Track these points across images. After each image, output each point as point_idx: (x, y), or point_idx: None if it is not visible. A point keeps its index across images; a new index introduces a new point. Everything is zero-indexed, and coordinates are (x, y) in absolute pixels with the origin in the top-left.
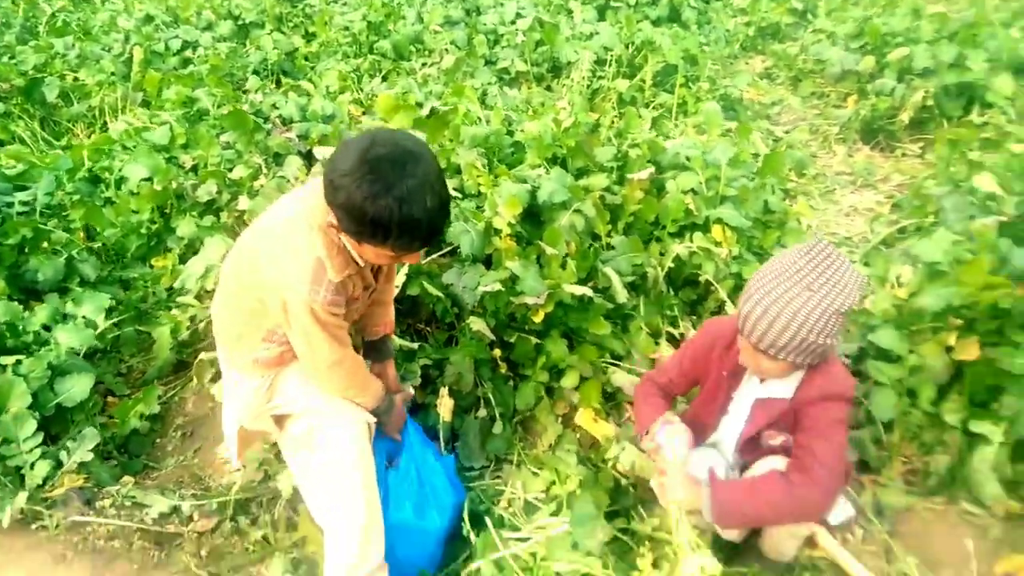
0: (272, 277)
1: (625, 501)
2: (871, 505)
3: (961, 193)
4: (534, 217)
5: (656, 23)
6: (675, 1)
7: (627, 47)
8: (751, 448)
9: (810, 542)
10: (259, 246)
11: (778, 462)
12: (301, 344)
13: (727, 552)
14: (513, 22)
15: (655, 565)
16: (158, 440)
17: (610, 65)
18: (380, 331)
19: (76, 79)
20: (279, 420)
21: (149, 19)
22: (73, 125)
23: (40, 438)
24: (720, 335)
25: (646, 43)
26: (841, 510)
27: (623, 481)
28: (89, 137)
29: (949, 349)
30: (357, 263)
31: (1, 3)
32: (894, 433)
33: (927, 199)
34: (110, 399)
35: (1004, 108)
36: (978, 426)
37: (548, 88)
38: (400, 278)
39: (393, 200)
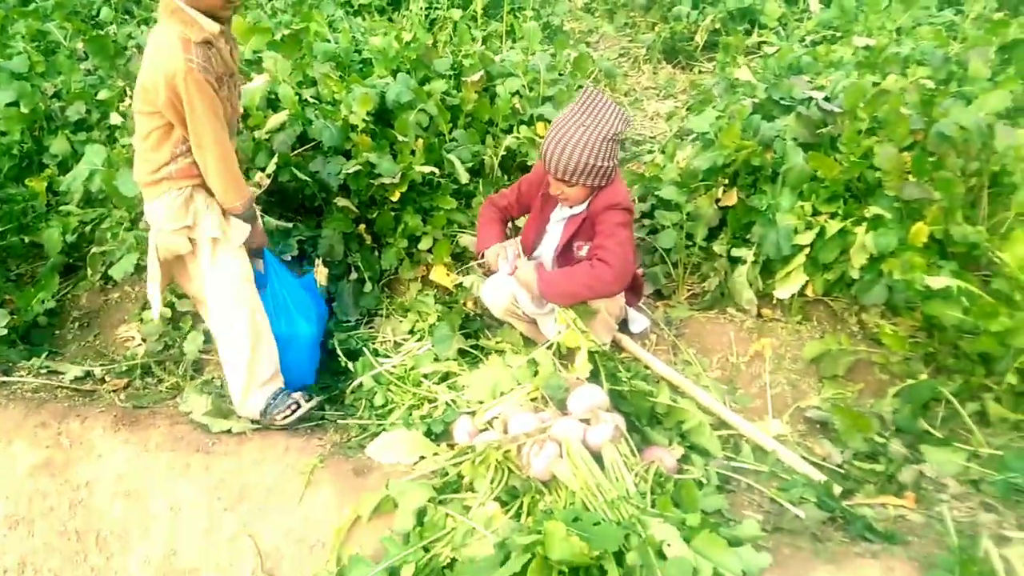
0: (157, 68)
1: (474, 326)
2: (662, 319)
3: (727, 83)
4: (385, 120)
5: None
6: None
7: None
8: (566, 259)
9: (619, 347)
10: (143, 66)
11: None
12: (192, 121)
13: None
14: None
15: None
16: (57, 332)
17: None
18: None
19: None
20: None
21: None
22: None
23: None
24: None
25: None
26: (639, 323)
27: (471, 313)
28: None
29: (717, 200)
30: (208, 30)
31: None
32: (679, 268)
33: (706, 93)
34: (6, 297)
35: (775, 28)
36: (737, 252)
37: (389, 19)
38: (271, 167)
39: None
